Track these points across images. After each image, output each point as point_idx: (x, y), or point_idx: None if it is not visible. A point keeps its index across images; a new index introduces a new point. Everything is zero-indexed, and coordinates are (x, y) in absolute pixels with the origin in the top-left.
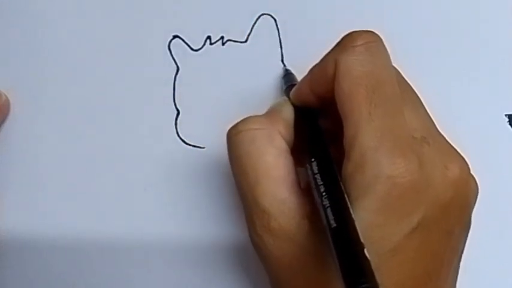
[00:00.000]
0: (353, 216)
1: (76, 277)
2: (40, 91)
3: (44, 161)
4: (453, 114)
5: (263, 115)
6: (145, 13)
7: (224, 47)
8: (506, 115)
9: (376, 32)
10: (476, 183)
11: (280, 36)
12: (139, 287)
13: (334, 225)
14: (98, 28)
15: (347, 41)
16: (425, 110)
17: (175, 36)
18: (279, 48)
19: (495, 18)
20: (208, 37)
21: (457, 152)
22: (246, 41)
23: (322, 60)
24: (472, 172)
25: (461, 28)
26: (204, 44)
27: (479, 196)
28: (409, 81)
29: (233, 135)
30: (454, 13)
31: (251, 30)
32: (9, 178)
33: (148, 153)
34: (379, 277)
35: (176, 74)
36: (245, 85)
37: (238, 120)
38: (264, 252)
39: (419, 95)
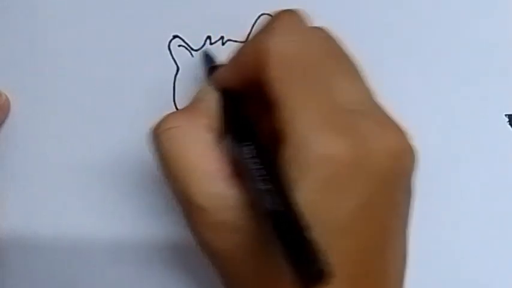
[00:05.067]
0: (294, 197)
1: (76, 277)
2: (40, 91)
3: (44, 160)
4: (453, 114)
5: (183, 109)
6: (145, 13)
7: (224, 47)
8: (506, 115)
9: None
10: (414, 150)
11: None
12: (140, 287)
13: (274, 208)
14: (98, 28)
15: (268, 24)
16: (362, 80)
17: (175, 36)
18: None
19: (495, 18)
20: (208, 37)
21: (393, 120)
22: (246, 41)
23: (245, 45)
24: (411, 141)
25: (461, 28)
26: (204, 44)
27: (479, 196)
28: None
29: (154, 138)
30: (454, 13)
31: (251, 30)
32: (9, 178)
33: (149, 153)
34: (328, 257)
35: (176, 74)
36: None
37: None
38: (208, 249)
39: (419, 95)
